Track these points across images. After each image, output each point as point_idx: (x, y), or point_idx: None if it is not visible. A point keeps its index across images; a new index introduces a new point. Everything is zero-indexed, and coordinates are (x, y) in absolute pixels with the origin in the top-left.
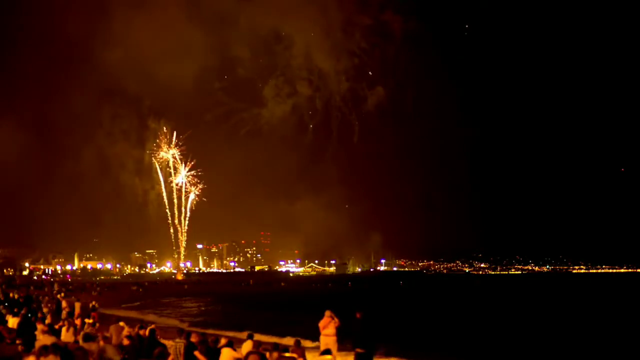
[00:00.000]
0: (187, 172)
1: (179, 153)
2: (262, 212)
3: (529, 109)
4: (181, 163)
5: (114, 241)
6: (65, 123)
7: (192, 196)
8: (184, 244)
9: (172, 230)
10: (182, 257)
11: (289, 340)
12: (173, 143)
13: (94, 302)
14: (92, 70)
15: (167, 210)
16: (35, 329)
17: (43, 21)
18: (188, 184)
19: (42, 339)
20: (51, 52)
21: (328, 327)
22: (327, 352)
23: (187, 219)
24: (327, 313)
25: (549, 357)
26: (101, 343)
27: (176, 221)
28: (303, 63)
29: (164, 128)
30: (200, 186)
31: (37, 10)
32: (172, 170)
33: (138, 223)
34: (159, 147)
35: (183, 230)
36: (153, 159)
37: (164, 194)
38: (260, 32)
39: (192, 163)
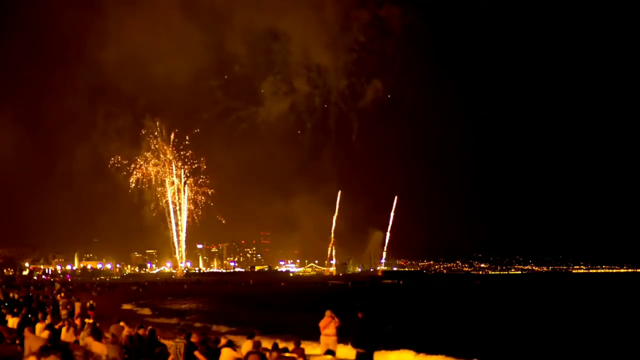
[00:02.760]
0: (188, 174)
1: (176, 154)
2: (262, 212)
3: (530, 108)
4: (179, 165)
5: (113, 241)
6: (62, 122)
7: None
8: (183, 244)
9: (172, 230)
10: (182, 257)
11: (289, 340)
12: (170, 144)
13: (91, 301)
14: (86, 69)
15: (166, 214)
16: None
17: (37, 20)
18: (187, 189)
19: (31, 338)
20: (45, 51)
21: (328, 327)
22: (329, 352)
23: (184, 220)
24: (328, 313)
25: (550, 357)
26: (109, 338)
27: (172, 225)
28: (301, 60)
29: (160, 128)
30: (201, 190)
31: (32, 9)
32: (167, 178)
33: (138, 223)
34: (156, 151)
35: (181, 232)
36: (152, 166)
37: (161, 199)
38: (257, 29)
39: (195, 166)
